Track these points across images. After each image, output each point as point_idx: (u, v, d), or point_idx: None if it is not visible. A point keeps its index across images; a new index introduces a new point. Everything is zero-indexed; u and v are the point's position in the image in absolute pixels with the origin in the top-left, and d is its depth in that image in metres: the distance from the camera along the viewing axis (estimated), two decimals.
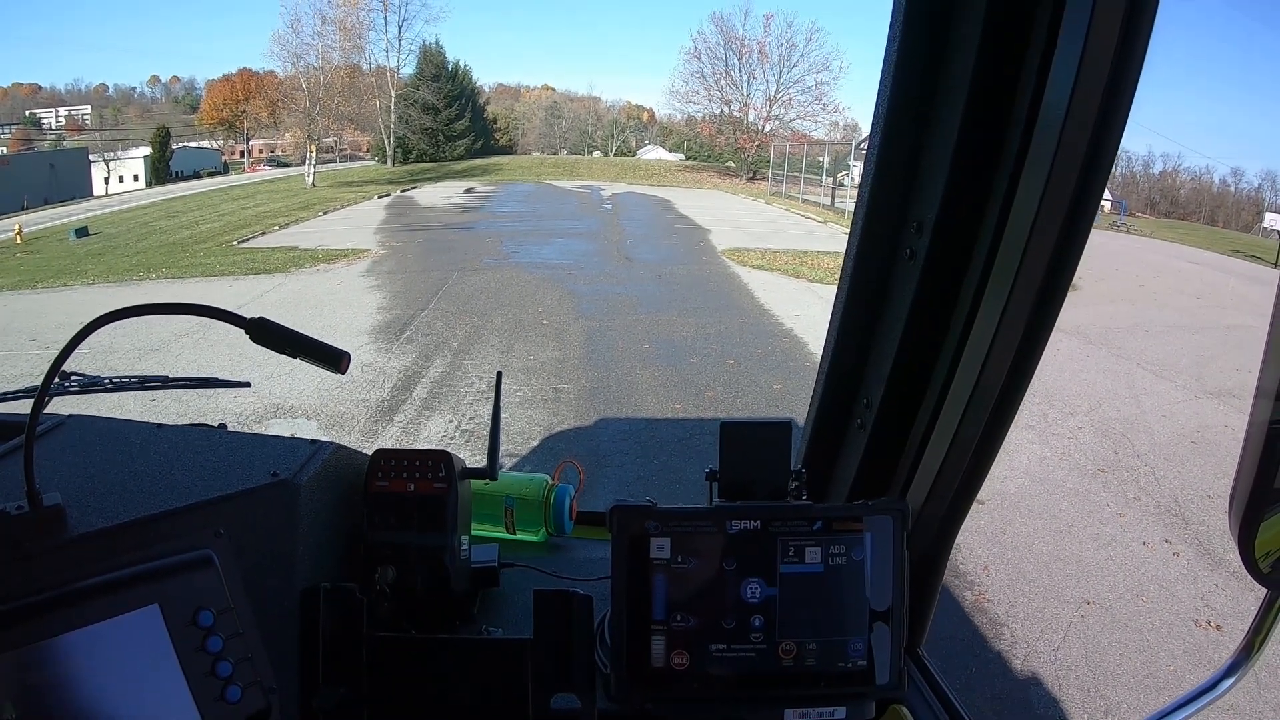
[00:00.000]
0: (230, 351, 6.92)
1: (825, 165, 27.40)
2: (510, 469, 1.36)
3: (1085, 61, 0.68)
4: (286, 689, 0.86)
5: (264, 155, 45.80)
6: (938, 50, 0.83)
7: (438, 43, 41.81)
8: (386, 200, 24.23)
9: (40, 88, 51.84)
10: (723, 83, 39.08)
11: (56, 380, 1.16)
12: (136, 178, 38.61)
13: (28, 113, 48.84)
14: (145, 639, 0.74)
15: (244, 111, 42.53)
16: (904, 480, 1.03)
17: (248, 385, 1.95)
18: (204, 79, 54.20)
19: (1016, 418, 0.90)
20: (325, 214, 20.23)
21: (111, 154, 39.26)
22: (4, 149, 41.17)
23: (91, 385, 1.44)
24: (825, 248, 14.20)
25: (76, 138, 44.34)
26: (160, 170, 39.48)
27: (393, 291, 10.44)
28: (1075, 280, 0.80)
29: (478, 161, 40.10)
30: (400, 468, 1.05)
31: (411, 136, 39.52)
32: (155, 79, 57.11)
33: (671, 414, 6.02)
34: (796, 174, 27.53)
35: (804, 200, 24.73)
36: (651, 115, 56.17)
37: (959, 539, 1.05)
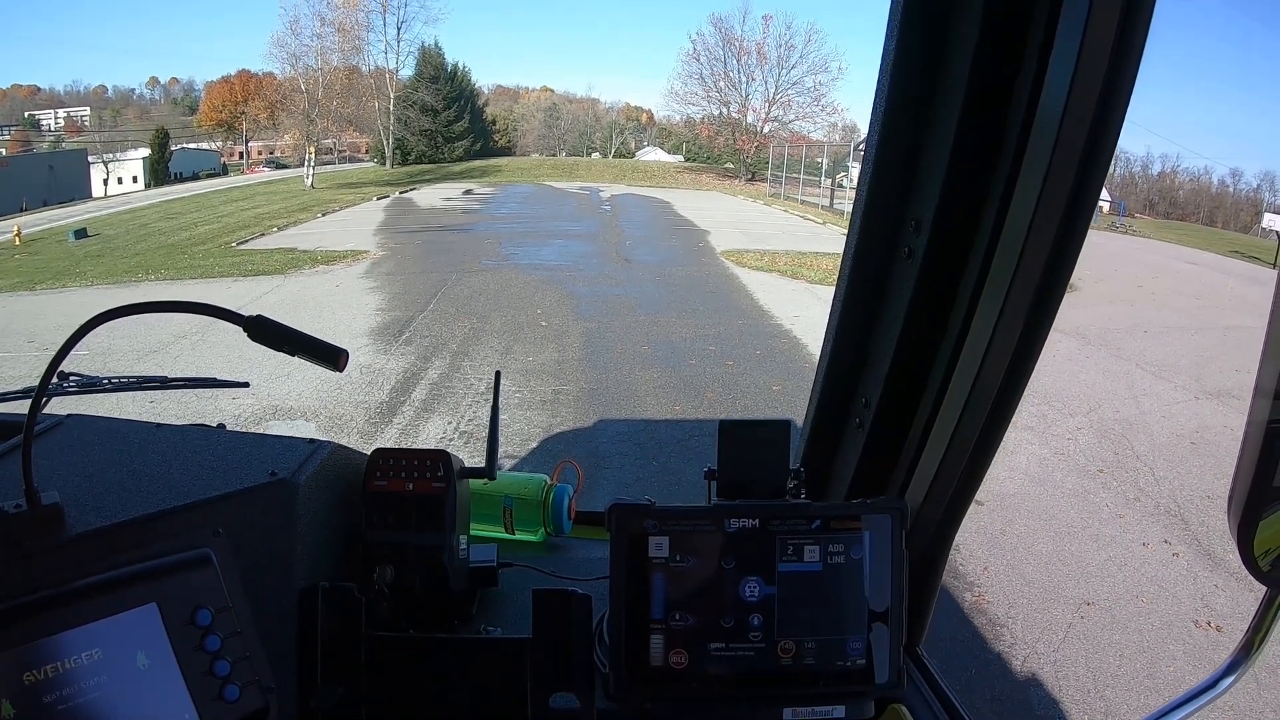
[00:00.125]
0: (229, 353, 6.92)
1: (824, 166, 27.43)
2: (509, 469, 1.36)
3: (1082, 61, 0.68)
4: (285, 688, 0.86)
5: (263, 157, 45.81)
6: (936, 50, 0.83)
7: (436, 44, 41.82)
8: (385, 202, 24.24)
9: (39, 89, 51.90)
10: (721, 84, 39.20)
11: (55, 380, 1.16)
12: (135, 179, 38.55)
13: (27, 114, 48.84)
14: (143, 638, 0.74)
15: (243, 113, 42.51)
16: (902, 479, 1.03)
17: (246, 386, 1.95)
18: (203, 80, 54.25)
19: (1015, 418, 0.90)
20: (324, 215, 20.23)
21: (110, 155, 39.19)
22: (3, 150, 41.12)
23: (90, 385, 1.44)
24: (824, 249, 14.21)
25: (75, 139, 44.32)
26: (159, 172, 39.43)
27: (391, 293, 10.45)
28: (1074, 281, 0.80)
29: (476, 163, 40.10)
30: (399, 467, 1.05)
31: (410, 138, 39.53)
32: (154, 80, 57.22)
33: (670, 415, 6.02)
34: (795, 175, 27.57)
35: (803, 201, 24.76)
36: (650, 117, 56.30)
37: (958, 540, 1.05)
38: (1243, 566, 0.67)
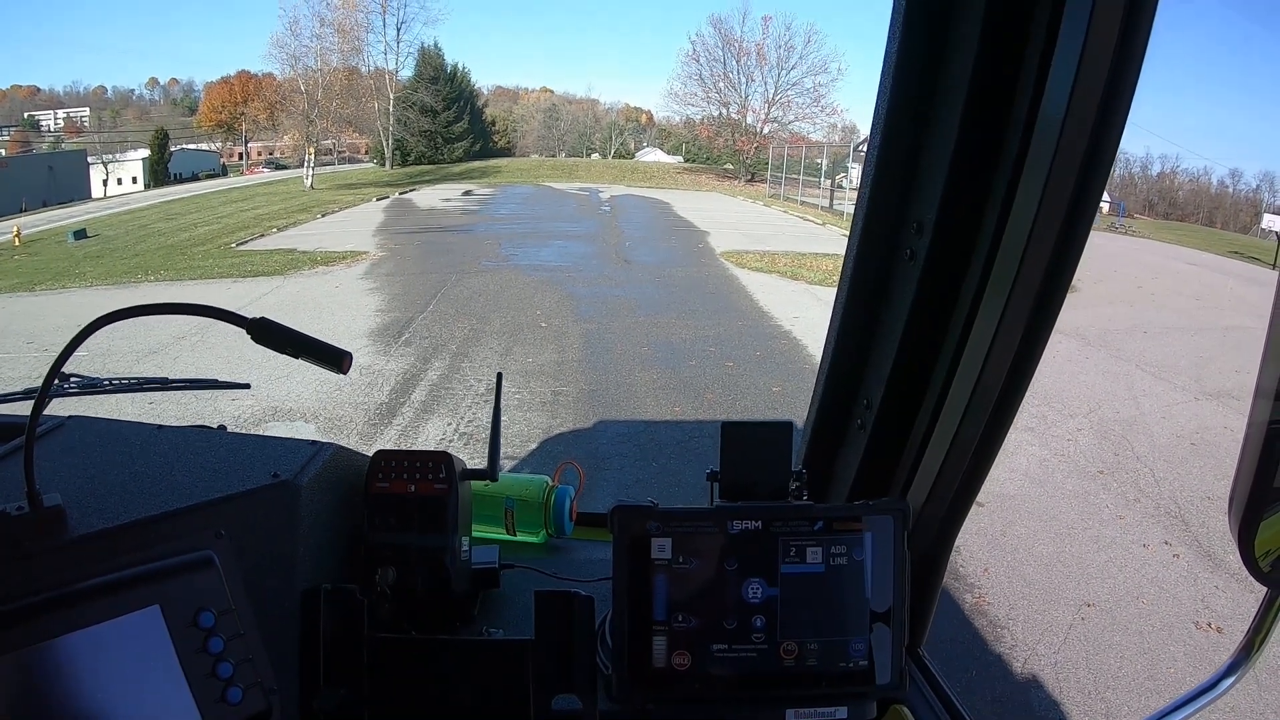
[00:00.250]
0: (229, 354, 6.92)
1: (824, 167, 27.45)
2: (509, 471, 1.36)
3: (1084, 62, 0.68)
4: (287, 690, 0.86)
5: (262, 157, 45.78)
6: (937, 50, 0.83)
7: (436, 45, 41.77)
8: (385, 203, 24.25)
9: (39, 90, 51.85)
10: (721, 85, 39.20)
11: (56, 382, 1.16)
12: (135, 180, 38.48)
13: (26, 115, 48.81)
14: (146, 640, 0.74)
15: (242, 114, 42.53)
16: (904, 480, 1.03)
17: (247, 387, 1.95)
18: (202, 81, 54.23)
19: (1016, 419, 0.90)
20: (324, 216, 20.23)
21: (110, 156, 39.16)
22: (2, 151, 41.12)
23: (91, 387, 1.44)
24: (824, 250, 14.22)
25: (75, 140, 44.27)
26: (159, 172, 39.40)
27: (391, 294, 10.45)
28: (1074, 282, 0.80)
29: (476, 164, 40.09)
30: (401, 469, 1.05)
31: (410, 139, 39.51)
32: (154, 81, 57.08)
33: (670, 416, 6.02)
34: (795, 176, 27.58)
35: (802, 202, 24.76)
36: (650, 117, 56.26)
37: (959, 541, 1.05)
38: (1243, 567, 0.67)
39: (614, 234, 17.39)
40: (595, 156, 50.39)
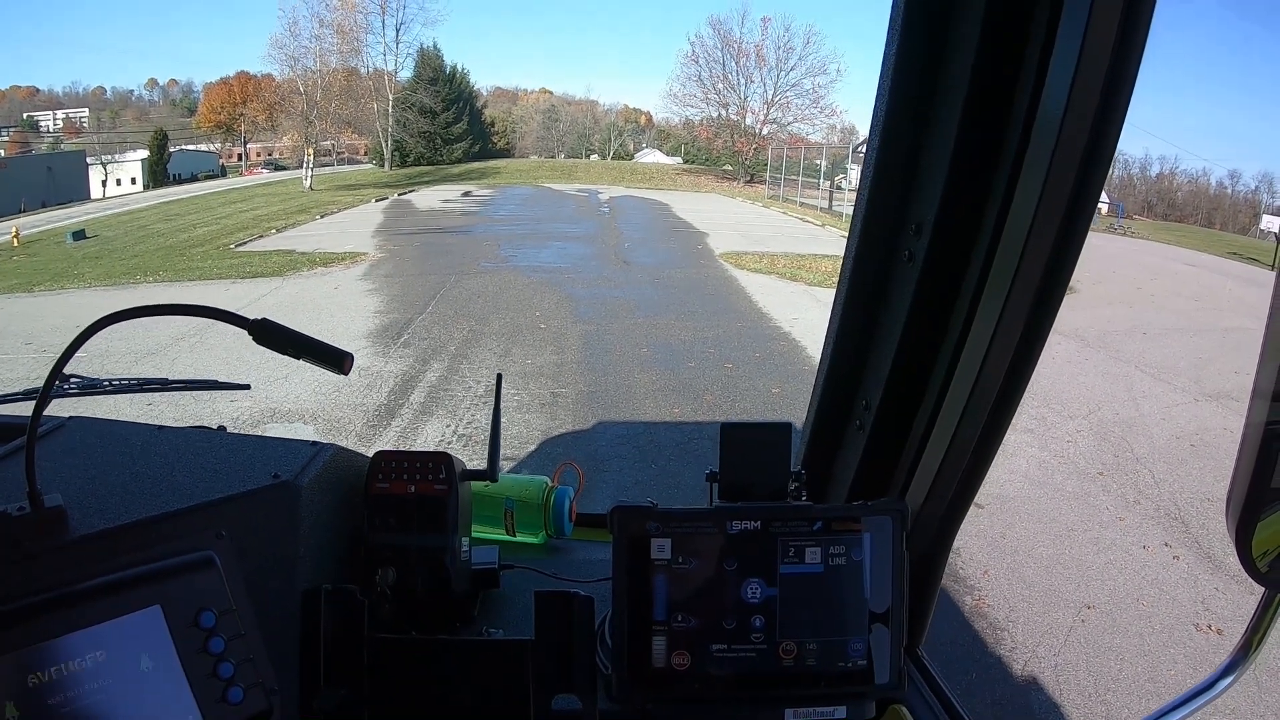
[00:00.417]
0: (228, 355, 6.92)
1: (823, 168, 27.48)
2: (509, 472, 1.36)
3: (1083, 62, 0.68)
4: (288, 690, 0.86)
5: (261, 158, 45.78)
6: (937, 50, 0.83)
7: (435, 46, 41.84)
8: (384, 204, 24.25)
9: (38, 90, 51.84)
10: (720, 86, 39.26)
11: (56, 383, 1.16)
12: (134, 180, 38.47)
13: (25, 115, 48.78)
14: (147, 640, 0.74)
15: (241, 114, 42.54)
16: (903, 481, 1.03)
17: (247, 388, 1.95)
18: (201, 82, 54.10)
19: (1015, 421, 0.90)
20: (323, 217, 20.23)
21: (109, 157, 39.13)
22: (2, 152, 41.11)
23: (91, 387, 1.45)
24: (823, 251, 14.23)
25: (74, 140, 44.26)
26: (158, 173, 39.40)
27: (390, 295, 10.45)
28: (1073, 283, 0.80)
29: (475, 165, 40.13)
30: (401, 469, 1.06)
31: (409, 140, 39.53)
32: (153, 82, 57.06)
33: (670, 418, 6.02)
34: (794, 177, 27.62)
35: (801, 203, 24.79)
36: (649, 119, 56.32)
37: (958, 543, 1.05)
38: (1242, 569, 0.67)
39: (613, 235, 17.40)
40: (594, 158, 50.46)
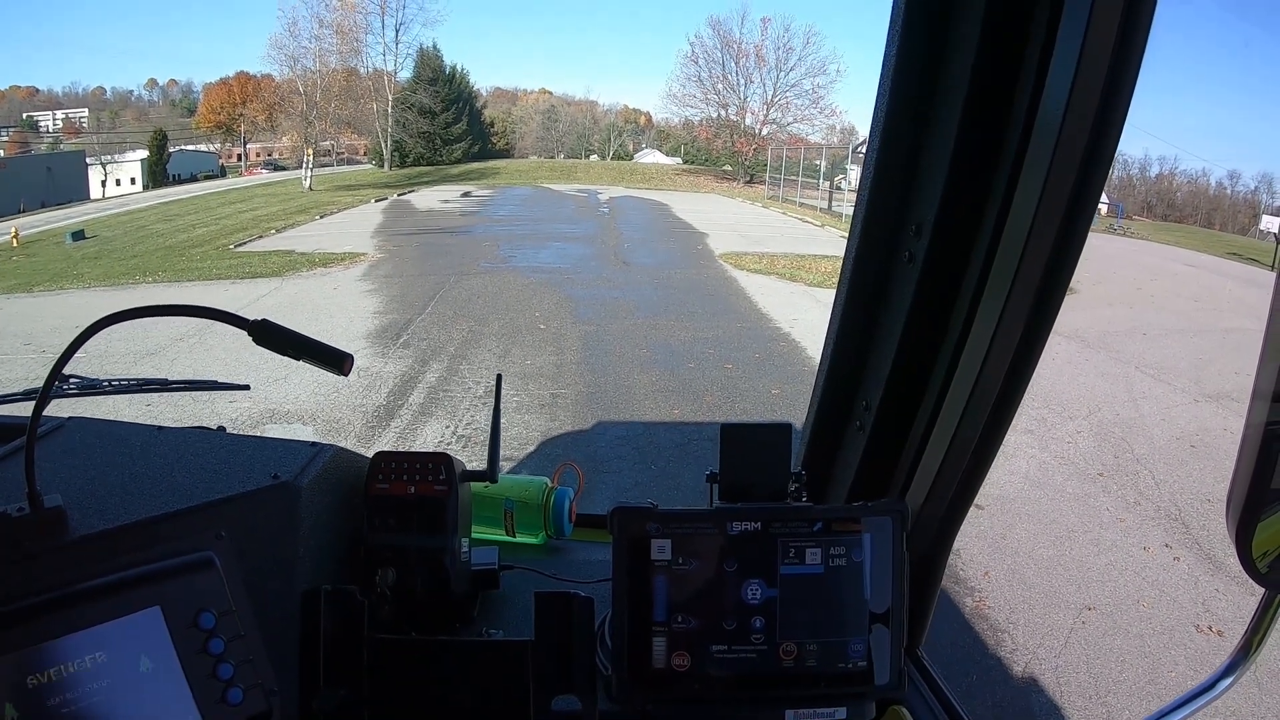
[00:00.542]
0: (227, 356, 6.91)
1: (822, 169, 27.49)
2: (508, 473, 1.36)
3: (1083, 62, 0.68)
4: (287, 691, 0.86)
5: (261, 159, 45.79)
6: (937, 51, 0.83)
7: (435, 46, 41.84)
8: (383, 204, 24.25)
9: (38, 90, 51.88)
10: (720, 86, 39.26)
11: (56, 383, 1.16)
12: (133, 181, 38.45)
13: (25, 115, 48.80)
14: (147, 641, 0.74)
15: (241, 115, 42.46)
16: (903, 482, 1.03)
17: (246, 388, 1.95)
18: (201, 82, 54.13)
19: (1015, 421, 0.90)
20: (322, 218, 20.23)
21: (108, 157, 39.10)
22: (1, 152, 41.10)
23: (90, 388, 1.45)
24: (823, 251, 14.23)
25: (73, 140, 44.29)
26: (157, 173, 39.38)
27: (389, 295, 10.44)
28: (1073, 283, 0.80)
29: (475, 165, 40.14)
30: (401, 470, 1.06)
31: (408, 140, 39.53)
32: (153, 82, 57.10)
33: (669, 419, 6.02)
34: (794, 178, 27.63)
35: (801, 204, 24.79)
36: (649, 119, 56.35)
37: (959, 544, 1.05)
38: (1243, 569, 0.67)
39: (612, 235, 17.39)
40: (594, 158, 50.47)
